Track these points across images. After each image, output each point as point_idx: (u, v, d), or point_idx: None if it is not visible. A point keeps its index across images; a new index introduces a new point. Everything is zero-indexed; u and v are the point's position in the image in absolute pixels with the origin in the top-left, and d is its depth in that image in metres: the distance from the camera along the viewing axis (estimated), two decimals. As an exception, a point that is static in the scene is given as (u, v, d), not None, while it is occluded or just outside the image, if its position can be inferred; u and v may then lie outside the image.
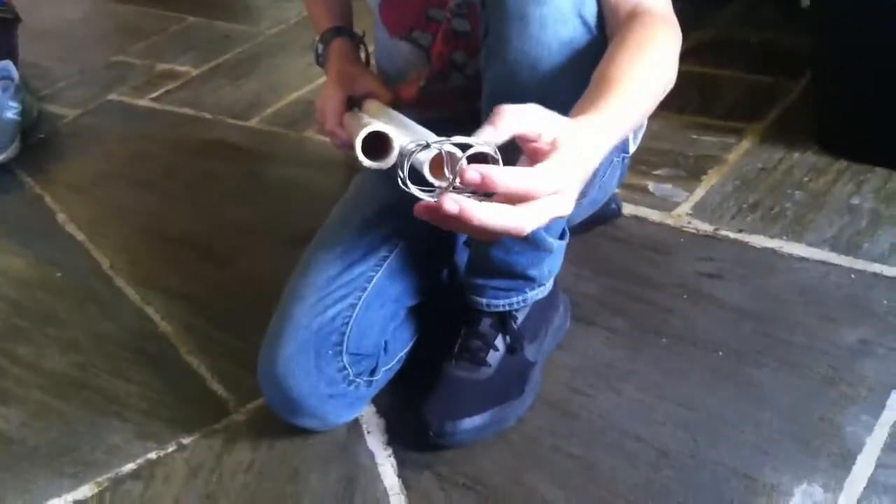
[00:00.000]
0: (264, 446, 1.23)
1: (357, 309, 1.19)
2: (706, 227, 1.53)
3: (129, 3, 2.95)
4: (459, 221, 0.70)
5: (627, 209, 1.59)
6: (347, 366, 1.18)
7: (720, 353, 1.28)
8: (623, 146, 1.33)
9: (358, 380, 1.20)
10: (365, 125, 1.02)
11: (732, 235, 1.51)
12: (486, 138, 0.74)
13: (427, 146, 0.80)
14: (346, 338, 1.18)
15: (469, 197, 0.72)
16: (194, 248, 1.68)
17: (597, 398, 1.23)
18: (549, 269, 1.21)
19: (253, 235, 1.69)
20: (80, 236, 1.74)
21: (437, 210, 0.71)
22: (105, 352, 1.44)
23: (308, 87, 2.19)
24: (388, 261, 1.23)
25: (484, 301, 1.22)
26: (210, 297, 1.54)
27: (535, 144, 0.75)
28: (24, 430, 1.30)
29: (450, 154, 0.80)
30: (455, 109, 1.21)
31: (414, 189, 0.76)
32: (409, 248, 1.26)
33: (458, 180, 0.71)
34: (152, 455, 1.24)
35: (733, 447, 1.14)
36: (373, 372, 1.22)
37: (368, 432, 1.23)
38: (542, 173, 0.73)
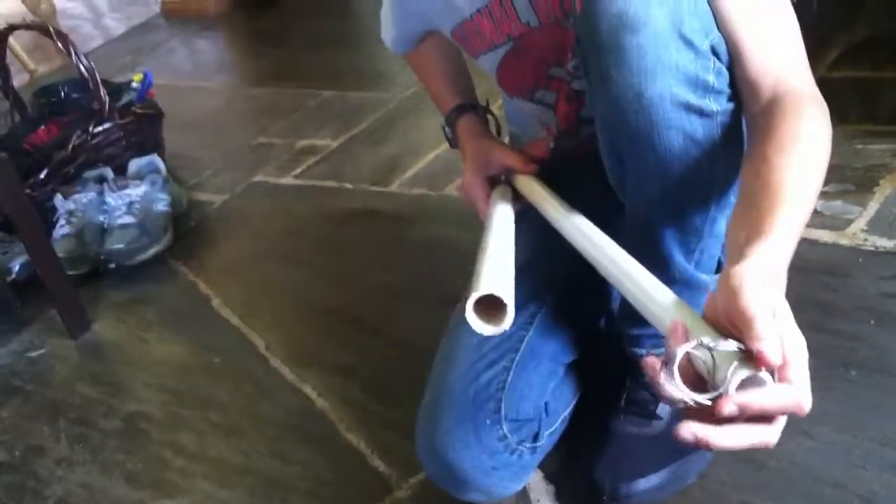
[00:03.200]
0: (431, 523, 1.17)
1: (511, 372, 1.12)
2: (885, 243, 1.40)
3: (265, 85, 3.01)
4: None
5: (795, 233, 1.47)
6: (508, 434, 1.11)
7: (921, 381, 1.15)
8: None
9: (521, 447, 1.13)
10: (477, 283, 0.90)
11: (916, 249, 1.37)
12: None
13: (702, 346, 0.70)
14: (503, 404, 1.11)
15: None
16: (346, 320, 1.66)
17: (785, 443, 1.10)
18: None
19: (403, 300, 1.65)
20: (234, 320, 1.74)
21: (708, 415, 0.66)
22: (265, 434, 1.42)
23: (444, 145, 2.15)
24: (539, 317, 1.16)
25: (643, 351, 1.13)
26: (365, 368, 1.51)
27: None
28: (191, 522, 1.29)
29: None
30: (589, 154, 1.14)
31: (684, 392, 0.68)
32: (560, 301, 1.19)
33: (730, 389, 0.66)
34: (318, 539, 1.20)
35: (950, 487, 1.01)
36: (536, 437, 1.14)
37: (538, 501, 1.15)
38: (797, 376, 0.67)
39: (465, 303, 0.88)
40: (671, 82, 0.90)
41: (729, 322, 0.71)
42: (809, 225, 1.44)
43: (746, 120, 0.95)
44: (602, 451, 1.12)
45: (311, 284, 1.81)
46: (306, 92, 2.80)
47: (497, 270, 0.94)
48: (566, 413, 1.20)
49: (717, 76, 0.92)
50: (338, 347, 1.58)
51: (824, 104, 0.91)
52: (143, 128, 2.36)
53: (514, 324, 1.16)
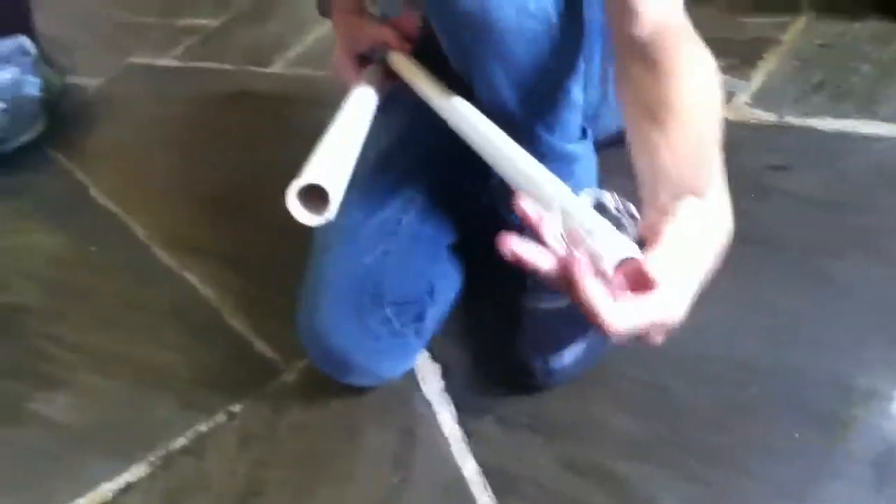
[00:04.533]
0: (316, 406, 1.16)
1: (390, 256, 1.11)
2: (769, 117, 1.41)
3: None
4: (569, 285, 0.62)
5: (679, 108, 1.47)
6: (391, 317, 1.10)
7: (795, 250, 1.17)
8: None
9: (405, 330, 1.12)
10: (302, 171, 0.84)
11: (798, 122, 1.38)
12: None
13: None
14: (384, 287, 1.09)
15: None
16: (230, 206, 1.61)
17: (665, 316, 1.13)
18: (584, 175, 1.10)
19: (287, 185, 1.60)
20: (113, 207, 1.68)
21: (563, 268, 0.62)
22: (147, 323, 1.38)
23: (328, 23, 2.08)
24: (416, 200, 1.14)
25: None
26: (249, 254, 1.47)
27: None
28: (71, 414, 1.26)
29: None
30: None
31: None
32: (437, 181, 1.17)
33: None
34: (202, 427, 1.18)
35: (821, 353, 1.04)
36: (420, 319, 1.14)
37: (423, 380, 1.15)
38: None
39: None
40: None
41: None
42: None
43: (614, 35, 0.91)
44: (520, 333, 1.11)
45: (192, 170, 1.75)
46: (188, -32, 2.67)
47: (326, 158, 0.89)
48: (452, 294, 1.19)
49: None
50: (221, 234, 1.54)
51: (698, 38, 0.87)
52: (9, 8, 2.21)
53: (390, 207, 1.14)
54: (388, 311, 1.10)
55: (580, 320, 1.07)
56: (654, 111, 0.78)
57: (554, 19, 0.93)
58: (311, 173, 0.83)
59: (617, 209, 0.68)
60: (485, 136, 0.92)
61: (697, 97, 0.79)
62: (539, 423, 1.06)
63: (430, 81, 1.07)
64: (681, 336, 1.08)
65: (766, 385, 1.02)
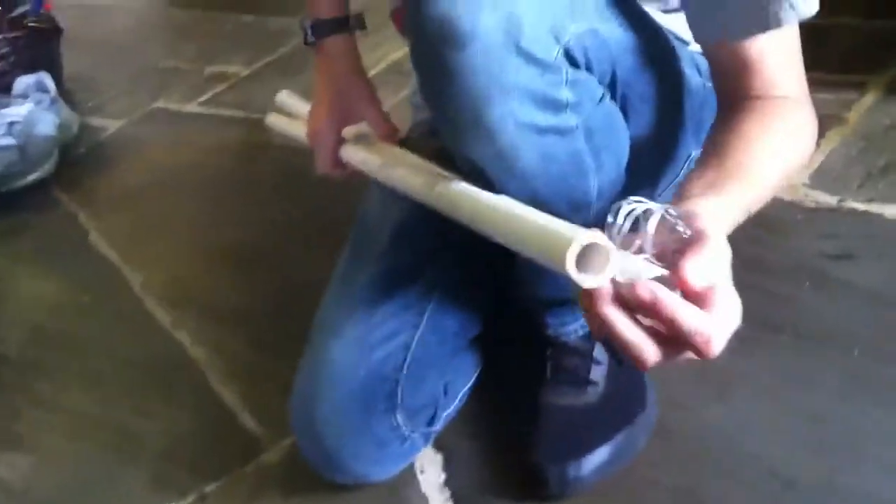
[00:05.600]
0: (298, 493, 1.03)
1: (411, 350, 0.98)
2: (828, 200, 1.28)
3: (185, 6, 2.81)
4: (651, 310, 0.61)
5: (731, 184, 1.34)
6: (401, 423, 0.97)
7: (855, 351, 1.03)
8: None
9: (413, 435, 0.99)
10: (569, 236, 0.66)
11: (861, 207, 1.25)
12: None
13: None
14: (400, 389, 0.96)
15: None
16: (239, 260, 1.51)
17: (701, 412, 0.99)
18: None
19: (305, 241, 1.50)
20: (112, 255, 1.59)
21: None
22: (129, 384, 1.28)
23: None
24: (440, 285, 1.01)
25: (569, 328, 0.99)
26: (252, 312, 1.36)
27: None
28: (31, 478, 1.16)
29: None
30: None
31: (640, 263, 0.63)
32: (462, 265, 1.04)
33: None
34: (169, 507, 1.05)
35: (876, 471, 0.90)
36: (432, 423, 1.01)
37: (422, 472, 1.01)
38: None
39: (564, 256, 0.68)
40: (513, 105, 0.75)
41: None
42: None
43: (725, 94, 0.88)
44: (537, 431, 0.96)
45: (204, 220, 1.66)
46: (225, 16, 2.62)
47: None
48: (465, 389, 1.06)
49: (572, 88, 0.77)
50: (223, 289, 1.44)
51: (813, 112, 0.88)
52: (35, 44, 2.17)
53: (411, 291, 1.00)
54: (400, 418, 0.97)
55: (610, 419, 0.93)
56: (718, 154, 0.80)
57: (588, 158, 0.83)
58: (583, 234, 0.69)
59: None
60: (484, 209, 0.80)
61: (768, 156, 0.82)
62: (550, 530, 0.92)
63: (409, 170, 0.94)
64: (717, 434, 0.95)
65: (803, 500, 0.89)
